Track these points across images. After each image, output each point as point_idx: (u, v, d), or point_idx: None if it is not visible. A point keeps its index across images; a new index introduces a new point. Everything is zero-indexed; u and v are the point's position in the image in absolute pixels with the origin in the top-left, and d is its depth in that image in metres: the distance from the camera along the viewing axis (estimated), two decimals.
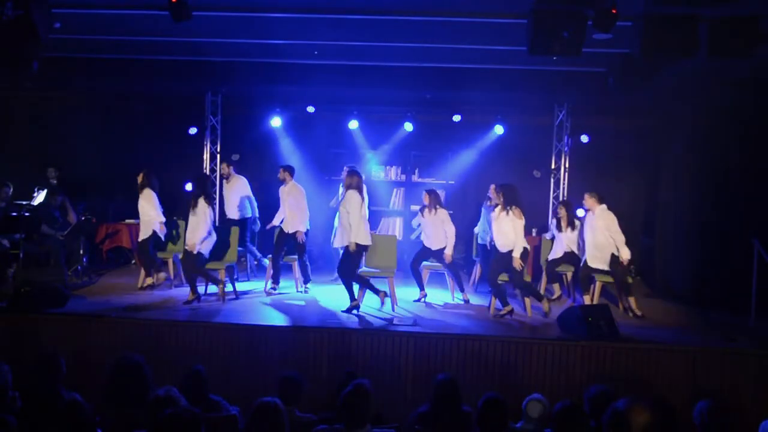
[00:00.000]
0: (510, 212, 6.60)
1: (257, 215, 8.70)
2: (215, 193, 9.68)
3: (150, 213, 7.50)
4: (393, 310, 6.89)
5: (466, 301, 7.49)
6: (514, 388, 5.41)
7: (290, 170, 7.92)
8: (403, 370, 5.71)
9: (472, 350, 5.71)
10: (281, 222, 7.83)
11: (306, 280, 7.84)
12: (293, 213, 7.69)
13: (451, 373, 5.09)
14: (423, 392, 5.25)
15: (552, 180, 9.99)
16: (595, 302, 7.03)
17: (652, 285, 8.73)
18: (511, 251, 6.62)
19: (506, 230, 6.64)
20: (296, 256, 7.80)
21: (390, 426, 3.89)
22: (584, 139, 9.73)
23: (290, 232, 7.67)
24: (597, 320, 5.85)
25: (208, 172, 10.15)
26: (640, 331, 6.32)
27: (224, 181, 8.75)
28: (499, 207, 6.75)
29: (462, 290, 7.58)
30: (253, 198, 8.64)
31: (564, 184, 9.95)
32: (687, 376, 5.56)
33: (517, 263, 6.60)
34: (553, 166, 10.02)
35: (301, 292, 7.71)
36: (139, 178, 7.58)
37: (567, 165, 9.95)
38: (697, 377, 5.56)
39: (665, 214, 8.75)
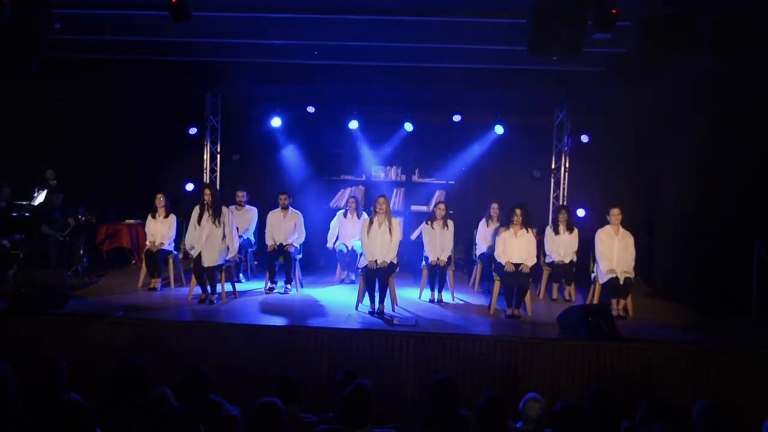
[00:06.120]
0: (529, 231, 7.09)
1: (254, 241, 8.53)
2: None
3: None
4: (393, 310, 6.89)
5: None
6: (514, 388, 5.41)
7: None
8: (403, 370, 5.70)
9: (472, 350, 5.71)
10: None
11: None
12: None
13: (452, 373, 5.12)
14: (423, 392, 5.26)
15: (552, 180, 10.00)
16: (595, 302, 7.03)
17: (652, 285, 8.72)
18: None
19: (525, 247, 7.00)
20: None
21: (390, 426, 3.88)
22: (584, 139, 9.73)
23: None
24: (597, 320, 5.85)
25: (208, 173, 10.15)
26: (640, 331, 6.32)
27: (234, 207, 8.29)
28: (518, 226, 7.05)
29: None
30: (254, 230, 8.46)
31: (564, 184, 9.95)
32: (687, 376, 5.56)
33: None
34: (553, 166, 10.03)
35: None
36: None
37: (567, 165, 9.96)
38: (697, 377, 5.55)
39: (665, 213, 8.75)
